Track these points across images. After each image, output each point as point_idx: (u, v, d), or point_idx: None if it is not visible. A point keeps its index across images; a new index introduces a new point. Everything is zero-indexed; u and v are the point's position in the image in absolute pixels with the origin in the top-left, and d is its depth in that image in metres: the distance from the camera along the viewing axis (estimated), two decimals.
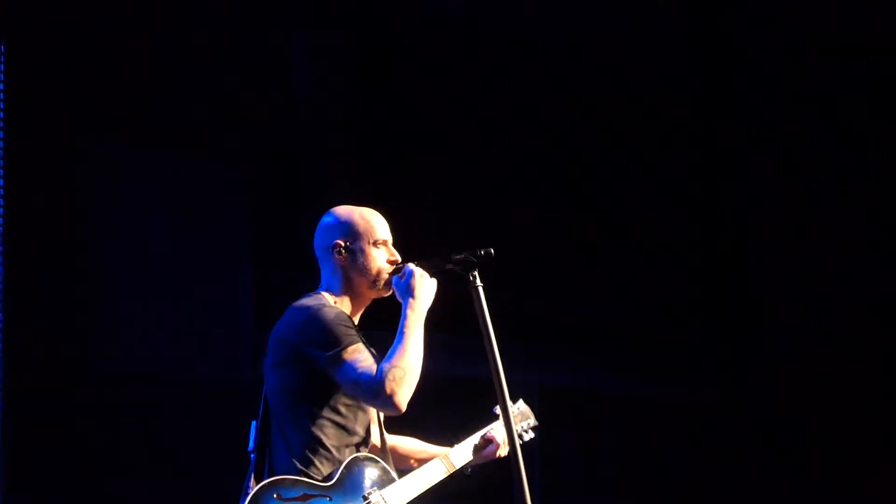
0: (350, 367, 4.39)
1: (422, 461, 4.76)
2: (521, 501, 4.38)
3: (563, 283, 8.56)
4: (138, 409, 6.91)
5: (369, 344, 4.51)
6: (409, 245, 4.75)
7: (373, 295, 4.65)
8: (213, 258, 7.30)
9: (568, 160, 8.66)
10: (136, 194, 7.12)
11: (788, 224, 9.07)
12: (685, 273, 8.98)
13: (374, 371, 4.37)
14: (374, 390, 4.36)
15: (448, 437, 4.91)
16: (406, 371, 4.37)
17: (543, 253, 8.42)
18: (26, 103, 6.67)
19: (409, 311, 4.49)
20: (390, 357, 4.40)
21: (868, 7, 8.70)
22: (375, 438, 4.69)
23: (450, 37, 8.30)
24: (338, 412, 4.48)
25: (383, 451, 4.67)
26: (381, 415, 4.71)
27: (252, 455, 4.53)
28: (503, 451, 4.87)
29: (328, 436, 4.46)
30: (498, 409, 4.81)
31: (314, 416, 4.45)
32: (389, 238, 4.68)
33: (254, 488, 4.36)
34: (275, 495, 4.33)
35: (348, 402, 4.49)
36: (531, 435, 5.03)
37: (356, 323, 4.59)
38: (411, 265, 4.58)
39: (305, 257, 4.85)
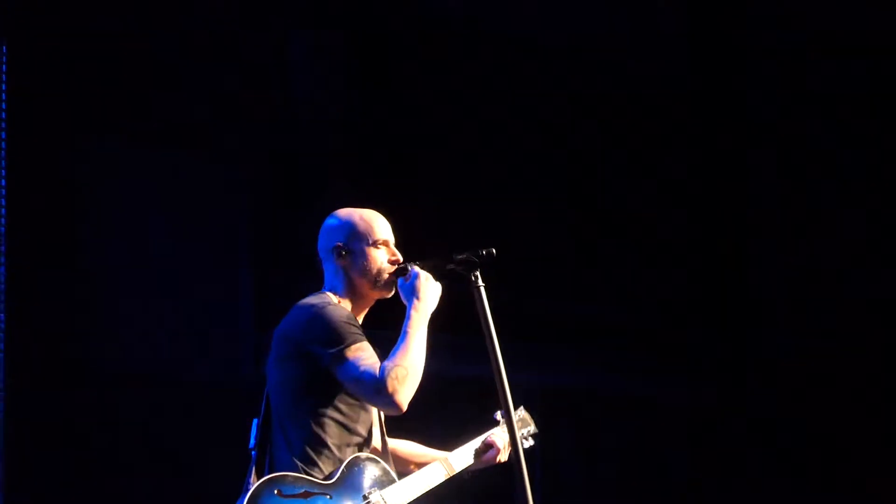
0: (353, 365, 4.40)
1: (420, 465, 4.77)
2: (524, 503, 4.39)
3: (563, 283, 8.56)
4: (138, 409, 6.90)
5: (374, 344, 4.52)
6: (409, 245, 4.75)
7: (375, 295, 4.66)
8: (213, 258, 7.30)
9: (568, 160, 8.65)
10: (136, 194, 7.11)
11: (788, 224, 9.06)
12: (685, 273, 8.98)
13: (377, 370, 4.38)
14: (376, 388, 4.37)
15: (449, 436, 4.91)
16: (408, 370, 4.38)
17: (543, 253, 8.42)
18: (28, 103, 6.66)
19: (413, 312, 4.51)
20: (393, 356, 4.42)
21: (868, 7, 8.70)
22: (376, 440, 4.70)
23: (450, 37, 8.30)
24: (340, 411, 4.48)
25: (384, 452, 4.68)
26: (383, 417, 4.71)
27: (253, 452, 4.54)
28: (503, 456, 4.90)
29: (330, 434, 4.46)
30: (498, 415, 4.85)
31: (316, 414, 4.46)
32: (391, 238, 4.70)
33: (254, 484, 4.36)
34: (275, 491, 4.34)
35: (351, 400, 4.50)
36: (531, 442, 5.04)
37: (360, 323, 4.59)
38: (416, 267, 4.58)
39: (305, 257, 4.86)
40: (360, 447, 4.54)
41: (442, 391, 5.63)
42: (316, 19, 7.79)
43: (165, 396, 6.95)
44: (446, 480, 4.72)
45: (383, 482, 4.52)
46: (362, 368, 4.39)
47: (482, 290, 4.53)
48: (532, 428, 5.07)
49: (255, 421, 4.58)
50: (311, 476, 4.40)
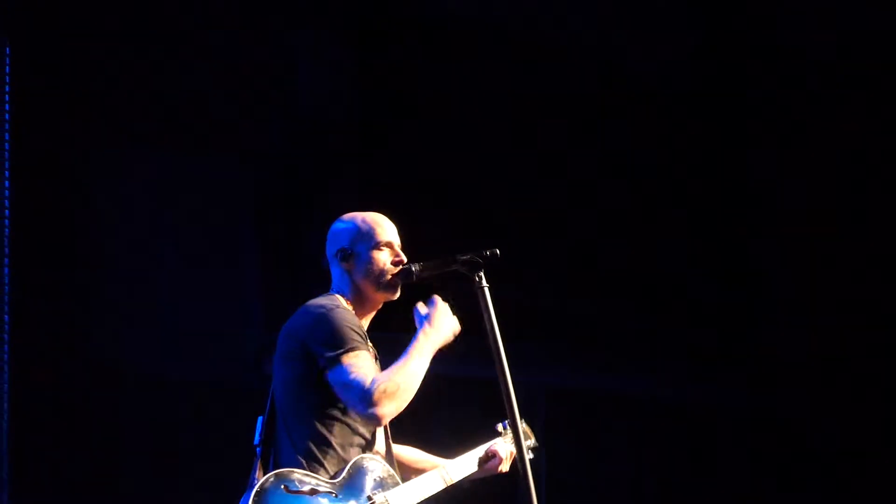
0: (345, 371, 4.41)
1: (420, 472, 4.78)
2: None
3: (563, 283, 8.56)
4: (139, 409, 6.91)
5: (376, 350, 4.55)
6: (409, 245, 4.75)
7: (381, 297, 4.68)
8: (214, 258, 7.31)
9: (568, 160, 8.65)
10: (139, 194, 7.12)
11: (788, 224, 9.06)
12: (685, 273, 8.98)
13: (368, 380, 4.39)
14: (361, 396, 4.37)
15: (449, 437, 4.92)
16: (399, 387, 4.40)
17: (543, 253, 8.42)
18: (31, 103, 6.67)
19: (421, 336, 4.52)
20: (388, 371, 4.43)
21: (868, 7, 8.70)
22: (380, 442, 4.70)
23: (450, 37, 8.30)
24: (343, 410, 4.49)
25: (388, 456, 4.68)
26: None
27: (258, 448, 4.54)
28: (505, 466, 4.93)
29: (334, 434, 4.47)
30: (500, 427, 4.87)
31: (319, 413, 4.47)
32: (395, 240, 4.70)
33: (260, 480, 4.37)
34: (282, 487, 4.35)
35: None
36: (531, 456, 5.02)
37: (368, 326, 4.63)
38: (438, 298, 4.59)
39: (307, 257, 4.88)
40: (364, 448, 4.54)
41: (440, 391, 5.64)
42: (316, 19, 7.79)
43: (167, 396, 6.96)
44: (444, 489, 4.73)
45: (388, 484, 4.52)
46: (353, 375, 4.40)
47: (486, 290, 4.51)
48: (532, 441, 5.07)
49: (260, 418, 4.59)
50: (317, 474, 4.41)
